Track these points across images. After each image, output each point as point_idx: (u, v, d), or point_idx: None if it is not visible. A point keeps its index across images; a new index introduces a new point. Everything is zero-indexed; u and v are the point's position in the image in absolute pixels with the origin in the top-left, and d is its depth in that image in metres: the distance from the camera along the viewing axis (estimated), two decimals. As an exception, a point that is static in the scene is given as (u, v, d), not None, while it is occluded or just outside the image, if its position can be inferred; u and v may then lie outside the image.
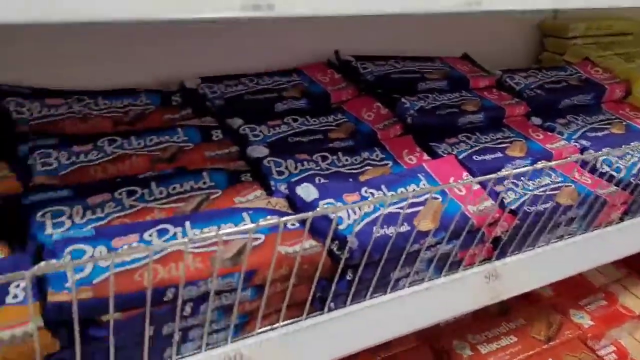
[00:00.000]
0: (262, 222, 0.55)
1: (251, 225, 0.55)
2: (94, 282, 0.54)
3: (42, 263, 0.45)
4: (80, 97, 0.88)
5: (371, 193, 0.77)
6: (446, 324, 1.11)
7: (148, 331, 0.56)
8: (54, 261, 0.45)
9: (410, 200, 0.74)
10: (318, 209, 0.59)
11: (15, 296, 0.53)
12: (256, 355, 0.66)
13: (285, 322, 0.68)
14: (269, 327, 0.67)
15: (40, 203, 0.66)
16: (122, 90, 0.92)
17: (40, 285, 0.55)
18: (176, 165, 0.79)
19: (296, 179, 0.79)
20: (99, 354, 0.55)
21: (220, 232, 0.53)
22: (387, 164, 0.89)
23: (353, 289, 0.71)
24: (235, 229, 0.55)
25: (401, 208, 0.70)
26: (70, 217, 0.65)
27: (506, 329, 1.11)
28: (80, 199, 0.68)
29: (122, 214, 0.68)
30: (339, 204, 0.73)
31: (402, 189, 0.79)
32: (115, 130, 0.83)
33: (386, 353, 1.00)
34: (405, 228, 0.73)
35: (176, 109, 0.92)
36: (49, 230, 0.63)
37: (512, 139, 1.01)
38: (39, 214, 0.65)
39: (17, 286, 0.54)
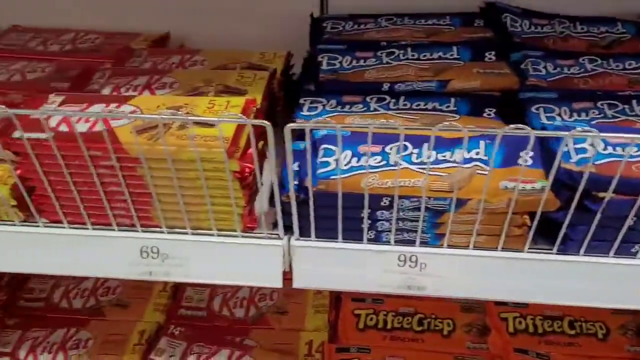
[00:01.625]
0: None
1: None
2: (596, 163, 0.63)
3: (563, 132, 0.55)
4: (561, 20, 0.97)
5: None
6: None
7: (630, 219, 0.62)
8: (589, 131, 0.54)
9: None
10: None
11: (526, 161, 0.66)
12: None
13: None
14: None
15: (533, 99, 0.78)
16: (599, 18, 0.97)
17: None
18: (657, 90, 0.81)
19: None
20: (581, 227, 0.64)
21: None
22: None
23: None
24: None
25: None
26: (559, 114, 0.75)
27: None
28: (565, 102, 0.77)
29: (604, 121, 0.74)
30: None
31: None
32: (591, 52, 0.89)
33: None
34: None
35: (654, 40, 0.92)
36: (543, 120, 0.74)
37: None
38: (534, 107, 0.76)
39: (527, 153, 0.66)
